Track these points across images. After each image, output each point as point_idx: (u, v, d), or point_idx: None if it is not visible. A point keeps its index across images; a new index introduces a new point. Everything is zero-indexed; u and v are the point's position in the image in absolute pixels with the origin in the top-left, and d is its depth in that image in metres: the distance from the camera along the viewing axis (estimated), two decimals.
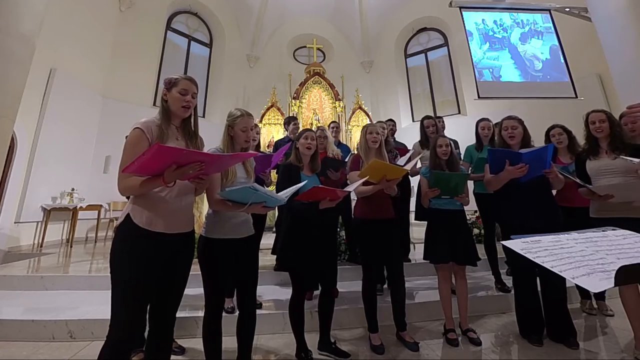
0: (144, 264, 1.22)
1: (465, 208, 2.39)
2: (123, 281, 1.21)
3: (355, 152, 3.96)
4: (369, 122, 7.86)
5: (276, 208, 2.83)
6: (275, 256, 3.28)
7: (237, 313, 1.72)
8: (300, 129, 7.48)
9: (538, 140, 2.83)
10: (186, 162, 1.15)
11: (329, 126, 3.88)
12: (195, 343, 2.17)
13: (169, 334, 1.40)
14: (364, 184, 2.06)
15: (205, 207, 4.05)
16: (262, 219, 2.68)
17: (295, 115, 6.60)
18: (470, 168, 3.15)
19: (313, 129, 4.87)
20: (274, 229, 3.60)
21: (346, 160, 3.07)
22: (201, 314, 2.36)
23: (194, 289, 2.92)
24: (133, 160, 1.07)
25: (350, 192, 1.85)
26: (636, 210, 1.93)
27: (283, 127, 4.19)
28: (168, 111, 1.38)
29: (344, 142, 6.14)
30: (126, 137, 1.31)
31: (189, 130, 1.45)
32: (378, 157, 2.24)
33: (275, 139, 6.18)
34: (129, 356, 1.23)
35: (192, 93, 1.40)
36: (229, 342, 1.73)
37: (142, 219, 1.26)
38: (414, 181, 3.11)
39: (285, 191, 1.58)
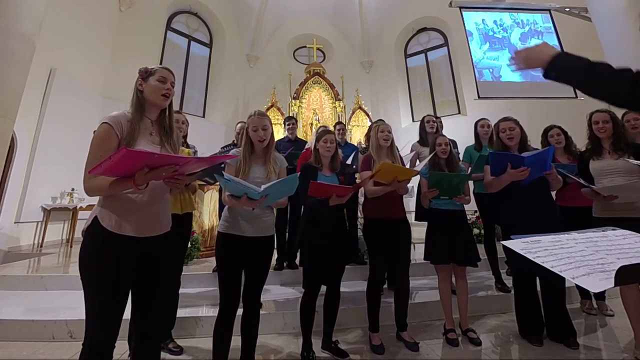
0: (114, 269, 1.16)
1: (465, 208, 2.38)
2: (94, 287, 1.16)
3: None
4: (369, 122, 7.86)
5: (275, 208, 2.82)
6: (275, 256, 3.29)
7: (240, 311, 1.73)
8: (299, 128, 7.43)
9: (536, 140, 2.83)
10: (159, 165, 1.09)
11: (334, 127, 3.88)
12: (195, 343, 2.17)
13: (156, 335, 1.34)
14: (374, 184, 2.10)
15: (204, 207, 4.06)
16: None
17: (293, 115, 6.58)
18: (470, 168, 3.14)
19: (314, 128, 4.84)
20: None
21: (348, 161, 3.06)
22: (201, 313, 2.39)
23: (194, 289, 2.94)
24: (100, 162, 0.99)
25: (354, 189, 1.89)
26: (639, 210, 1.93)
27: (283, 126, 4.21)
28: (143, 103, 1.29)
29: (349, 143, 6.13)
30: (94, 132, 1.21)
31: (165, 125, 1.35)
32: (389, 156, 2.26)
33: (276, 139, 6.17)
34: (110, 358, 1.19)
35: (170, 82, 1.33)
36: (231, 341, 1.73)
37: (111, 222, 1.18)
38: (413, 181, 3.11)
39: (268, 184, 1.53)
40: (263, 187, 1.47)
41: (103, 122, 1.19)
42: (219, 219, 1.92)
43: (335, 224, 2.02)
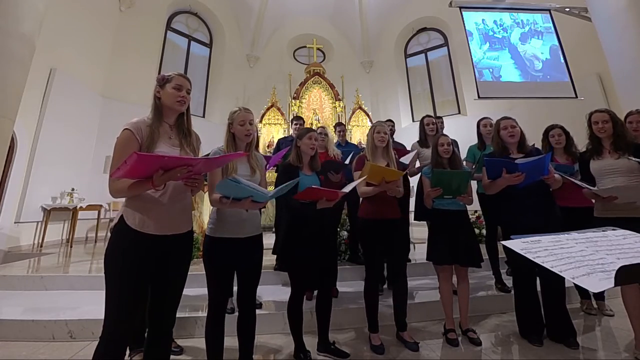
0: (135, 266, 1.22)
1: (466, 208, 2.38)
2: (114, 282, 1.22)
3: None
4: (369, 122, 7.86)
5: (274, 208, 2.82)
6: (275, 256, 3.28)
7: (236, 313, 1.72)
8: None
9: (536, 141, 2.83)
10: (171, 166, 1.14)
11: (334, 129, 3.88)
12: (195, 343, 2.17)
13: (167, 333, 1.39)
14: (366, 185, 2.07)
15: (205, 207, 4.06)
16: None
17: (301, 116, 6.58)
18: (474, 167, 3.14)
19: (313, 127, 4.86)
20: (274, 229, 3.61)
21: (347, 161, 3.06)
22: (201, 314, 2.38)
23: (194, 289, 2.93)
24: (118, 167, 1.07)
25: (345, 193, 1.86)
26: (639, 210, 1.93)
27: (290, 125, 4.26)
28: (161, 109, 1.36)
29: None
30: (117, 138, 1.29)
31: (183, 128, 1.42)
32: (385, 157, 2.25)
33: (276, 139, 6.14)
34: (123, 355, 1.24)
35: (186, 89, 1.38)
36: (230, 341, 1.73)
37: (135, 220, 1.25)
38: (413, 181, 3.11)
39: (277, 188, 1.55)
40: (273, 191, 1.51)
41: (125, 129, 1.27)
42: None
43: (324, 225, 2.00)
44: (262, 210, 1.93)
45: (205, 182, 1.99)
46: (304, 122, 3.93)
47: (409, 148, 3.59)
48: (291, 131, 3.85)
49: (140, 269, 1.23)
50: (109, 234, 1.32)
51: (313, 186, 1.79)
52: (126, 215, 1.26)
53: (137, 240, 1.23)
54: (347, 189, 1.85)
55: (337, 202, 1.93)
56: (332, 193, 1.82)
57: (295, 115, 5.15)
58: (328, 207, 1.87)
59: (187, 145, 1.39)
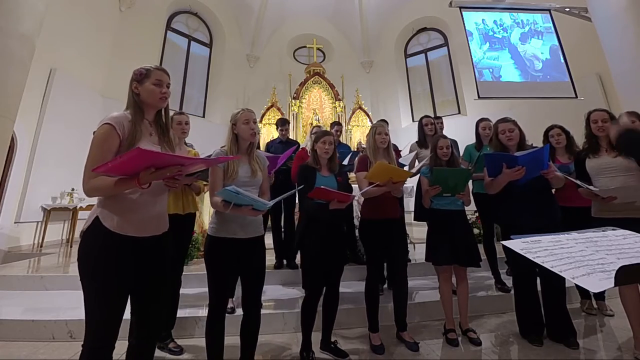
0: (116, 270, 1.16)
1: (465, 208, 2.38)
2: (95, 289, 1.16)
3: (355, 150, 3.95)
4: (369, 122, 7.86)
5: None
6: (274, 255, 3.28)
7: (236, 313, 1.72)
8: (299, 128, 7.30)
9: (538, 140, 2.84)
10: (165, 165, 1.10)
11: (331, 127, 3.87)
12: (195, 343, 2.17)
13: (153, 337, 1.34)
14: (369, 184, 2.09)
15: (205, 207, 4.06)
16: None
17: (287, 118, 6.42)
18: (470, 166, 3.14)
19: (313, 127, 4.84)
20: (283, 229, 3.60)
21: (345, 161, 3.06)
22: (201, 313, 2.38)
23: (194, 289, 2.94)
24: (107, 162, 1.01)
25: (353, 196, 1.89)
26: (638, 210, 1.93)
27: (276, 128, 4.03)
28: (141, 105, 1.29)
29: (344, 142, 6.12)
30: (93, 132, 1.21)
31: (162, 124, 1.37)
32: (386, 157, 2.26)
33: (268, 140, 6.06)
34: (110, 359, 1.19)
35: (166, 84, 1.32)
36: (230, 341, 1.73)
37: (113, 222, 1.17)
38: (413, 181, 3.11)
39: (276, 199, 1.59)
40: (273, 201, 1.51)
41: (105, 123, 1.19)
42: None
43: (333, 226, 2.02)
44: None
45: (206, 183, 1.99)
46: (289, 125, 3.88)
47: (407, 148, 3.59)
48: (291, 132, 3.80)
49: (121, 272, 1.17)
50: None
51: (322, 187, 1.80)
52: (103, 217, 1.18)
53: (116, 243, 1.16)
54: (359, 193, 1.88)
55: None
56: (343, 196, 1.85)
57: (280, 118, 4.59)
58: (340, 208, 1.90)
59: (166, 142, 1.34)
